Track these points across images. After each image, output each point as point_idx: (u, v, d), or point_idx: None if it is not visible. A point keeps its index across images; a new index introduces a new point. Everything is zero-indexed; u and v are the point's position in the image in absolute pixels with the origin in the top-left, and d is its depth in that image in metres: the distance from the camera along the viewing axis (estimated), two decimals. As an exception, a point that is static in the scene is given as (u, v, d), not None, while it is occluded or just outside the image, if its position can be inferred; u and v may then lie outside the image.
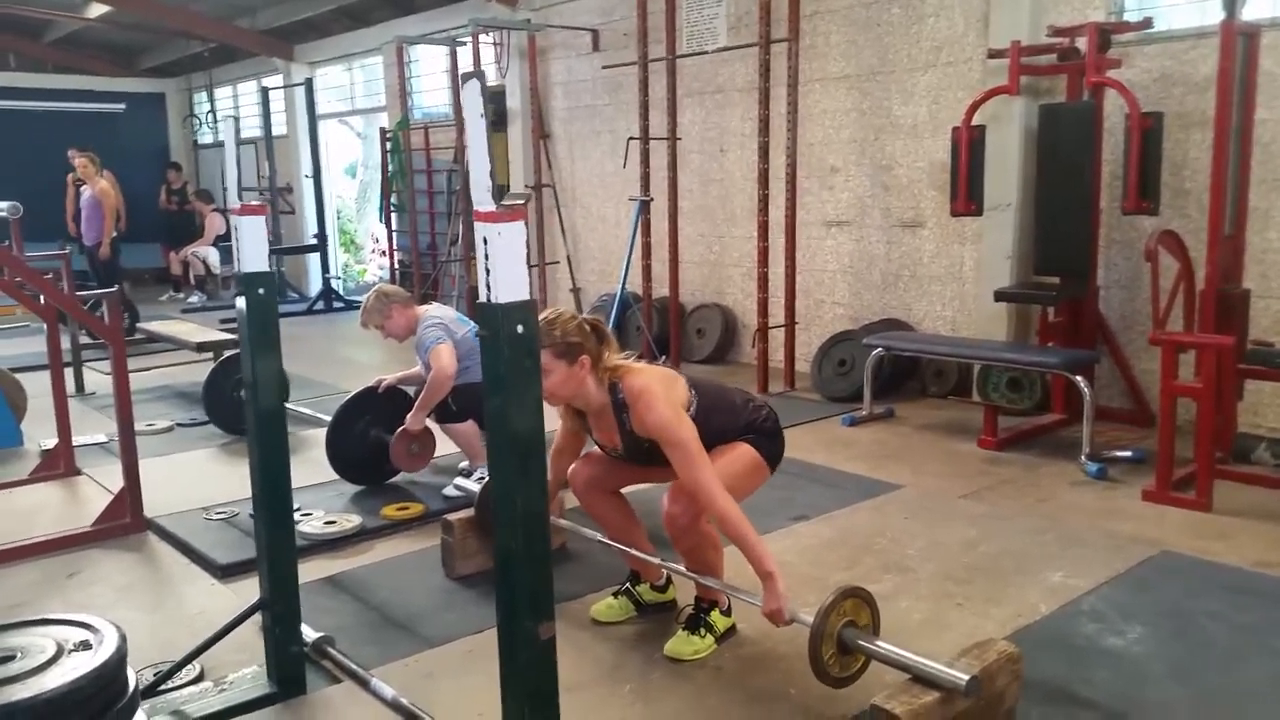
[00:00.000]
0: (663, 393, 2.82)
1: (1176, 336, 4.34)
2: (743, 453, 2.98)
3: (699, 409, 2.93)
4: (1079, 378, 4.83)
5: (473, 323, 4.57)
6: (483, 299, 1.74)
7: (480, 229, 1.72)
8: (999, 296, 5.52)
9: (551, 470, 3.25)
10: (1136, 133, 4.82)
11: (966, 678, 2.29)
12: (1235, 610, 3.20)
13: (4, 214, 5.81)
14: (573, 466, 3.21)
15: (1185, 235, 4.73)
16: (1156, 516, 4.09)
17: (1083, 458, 4.70)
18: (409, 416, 4.42)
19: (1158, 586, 3.42)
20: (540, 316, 2.71)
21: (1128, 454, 4.79)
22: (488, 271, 1.72)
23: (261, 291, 2.64)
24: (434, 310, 4.59)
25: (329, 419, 4.70)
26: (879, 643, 2.53)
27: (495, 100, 9.09)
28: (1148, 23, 5.20)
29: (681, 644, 2.96)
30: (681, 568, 3.03)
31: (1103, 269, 5.54)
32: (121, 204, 10.35)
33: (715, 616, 3.02)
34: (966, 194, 5.45)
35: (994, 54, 5.50)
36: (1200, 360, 4.24)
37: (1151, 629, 3.09)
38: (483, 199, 1.72)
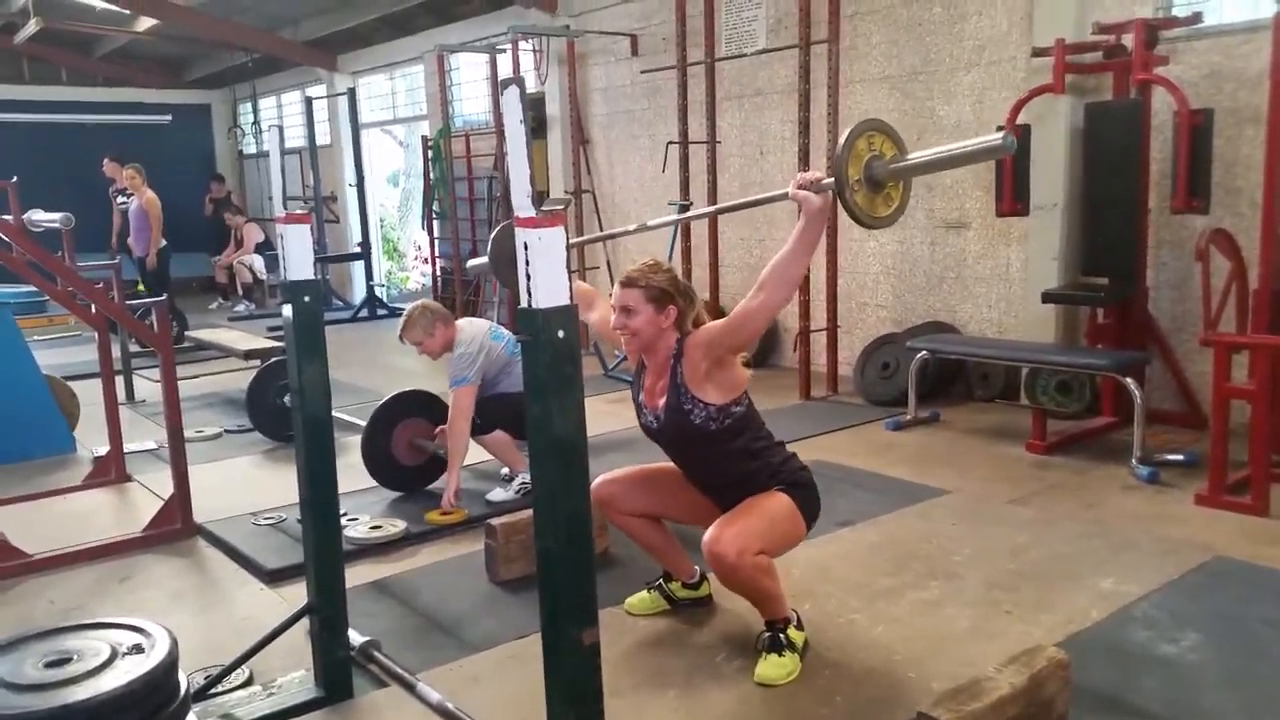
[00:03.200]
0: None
1: (1229, 337, 4.25)
2: (781, 502, 2.90)
3: (748, 408, 2.97)
4: (1129, 380, 4.74)
5: (508, 334, 4.55)
6: (523, 304, 1.74)
7: (520, 234, 1.72)
8: (1046, 298, 5.44)
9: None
10: (1186, 130, 4.73)
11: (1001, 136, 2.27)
12: (1293, 617, 3.13)
13: (57, 225, 5.93)
14: (596, 484, 3.13)
15: (1238, 234, 4.63)
16: (1210, 521, 4.00)
17: (1134, 461, 4.62)
18: (446, 491, 4.28)
19: (1211, 593, 3.34)
20: (640, 262, 2.90)
21: (1180, 457, 4.69)
22: (528, 277, 1.72)
23: (307, 299, 2.67)
24: (467, 328, 4.43)
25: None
26: (908, 157, 2.42)
27: (535, 107, 9.12)
28: (1197, 18, 5.11)
29: (772, 668, 2.86)
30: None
31: (1152, 269, 5.44)
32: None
33: (792, 632, 2.94)
34: (1012, 194, 5.39)
35: (1038, 52, 5.42)
36: (1254, 361, 4.15)
37: (1205, 636, 3.02)
38: (523, 204, 1.72)
